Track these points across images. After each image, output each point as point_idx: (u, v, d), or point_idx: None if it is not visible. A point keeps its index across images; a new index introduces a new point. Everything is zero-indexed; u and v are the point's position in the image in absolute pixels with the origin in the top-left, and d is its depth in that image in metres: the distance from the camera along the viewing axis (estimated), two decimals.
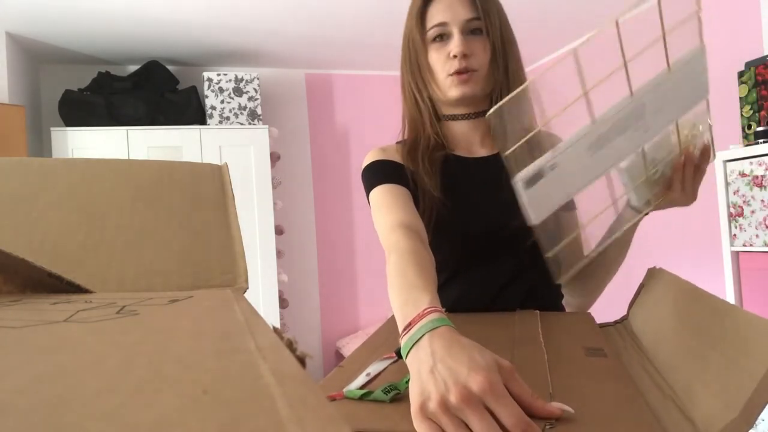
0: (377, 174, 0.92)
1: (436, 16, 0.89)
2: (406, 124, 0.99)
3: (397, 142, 1.02)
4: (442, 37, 0.89)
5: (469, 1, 0.88)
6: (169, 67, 3.30)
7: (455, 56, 0.87)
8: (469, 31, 0.89)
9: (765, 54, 2.27)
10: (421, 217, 0.85)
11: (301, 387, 0.15)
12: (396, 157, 0.97)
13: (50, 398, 0.14)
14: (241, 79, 3.19)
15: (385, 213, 0.83)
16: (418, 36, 0.90)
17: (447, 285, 0.93)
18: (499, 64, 0.91)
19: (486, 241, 0.91)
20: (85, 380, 0.16)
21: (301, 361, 0.24)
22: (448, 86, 0.90)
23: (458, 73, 0.88)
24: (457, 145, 0.97)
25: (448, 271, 0.93)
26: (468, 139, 0.98)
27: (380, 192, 0.88)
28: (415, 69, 0.93)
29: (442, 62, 0.90)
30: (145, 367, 0.17)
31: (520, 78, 0.93)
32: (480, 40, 0.89)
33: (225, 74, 3.18)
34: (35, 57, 3.16)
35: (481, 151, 0.97)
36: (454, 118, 0.96)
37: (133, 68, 3.33)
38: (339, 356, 3.58)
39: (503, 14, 0.93)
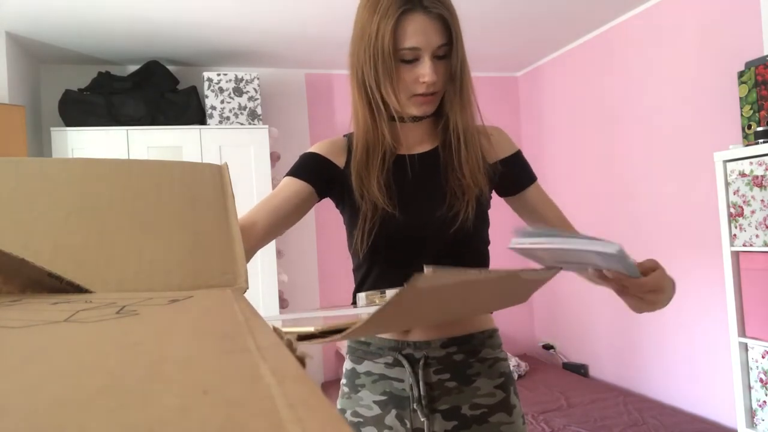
0: (295, 165, 1.01)
1: (410, 38, 0.87)
2: (355, 118, 0.99)
3: (345, 135, 1.05)
4: (413, 59, 0.90)
5: (442, 26, 0.89)
6: (169, 67, 3.30)
7: (423, 82, 0.89)
8: (437, 56, 0.90)
9: (765, 54, 2.27)
10: (365, 222, 0.94)
11: (301, 387, 0.15)
12: (335, 152, 1.02)
13: (50, 398, 0.14)
14: (241, 79, 3.19)
15: (260, 202, 0.96)
16: (390, 48, 0.88)
17: (367, 276, 0.99)
18: (456, 86, 0.93)
19: (414, 236, 0.95)
20: (85, 380, 0.16)
21: (301, 361, 0.24)
22: (409, 105, 0.93)
23: (422, 95, 0.91)
24: (400, 145, 1.00)
25: (368, 265, 0.99)
26: (410, 138, 1.00)
27: (282, 182, 0.98)
28: (380, 75, 0.91)
29: (409, 83, 0.91)
30: (145, 367, 0.17)
31: (469, 96, 0.96)
32: (444, 63, 0.92)
33: (225, 74, 3.17)
34: (35, 57, 3.16)
35: (419, 148, 1.00)
36: (402, 120, 0.97)
37: (133, 68, 3.33)
38: (339, 356, 3.58)
39: (462, 40, 0.94)
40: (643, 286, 0.75)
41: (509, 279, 0.62)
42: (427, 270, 0.43)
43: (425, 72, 0.88)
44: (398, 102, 0.92)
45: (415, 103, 0.92)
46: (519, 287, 0.70)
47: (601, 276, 0.77)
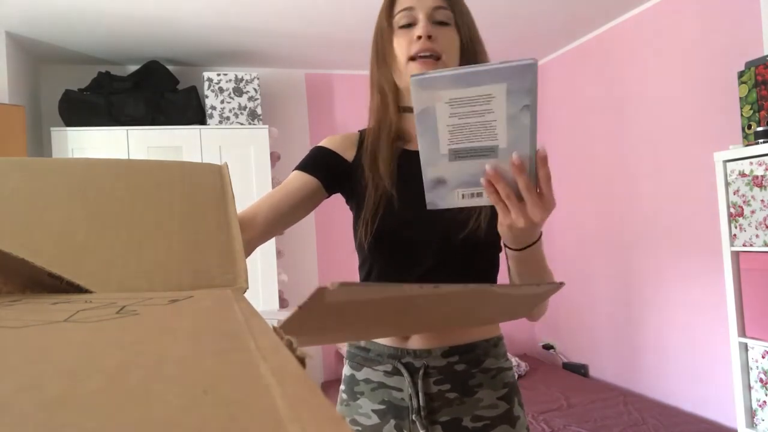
0: (303, 159, 0.99)
1: (403, 1, 0.91)
2: (371, 99, 1.01)
3: (359, 131, 1.05)
4: (410, 24, 0.91)
5: None
6: (169, 67, 3.30)
7: (419, 37, 0.88)
8: (436, 20, 0.90)
9: (765, 54, 2.27)
10: (369, 209, 0.92)
11: (301, 387, 0.15)
12: (345, 146, 1.01)
13: (50, 398, 0.14)
14: (241, 79, 3.19)
15: (263, 196, 0.94)
16: (386, 23, 0.92)
17: (369, 275, 0.96)
18: (469, 60, 0.92)
19: (420, 237, 0.92)
20: (85, 380, 0.16)
21: (301, 361, 0.24)
22: (410, 70, 0.89)
23: (422, 57, 0.88)
24: (411, 139, 0.97)
25: (371, 261, 0.96)
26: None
27: (289, 176, 0.97)
28: (381, 58, 0.94)
29: (406, 46, 0.90)
30: (145, 367, 0.17)
31: None
32: (447, 30, 0.91)
33: (225, 74, 3.17)
34: (35, 57, 3.16)
35: None
36: (412, 110, 0.96)
37: (133, 68, 3.33)
38: (339, 356, 3.58)
39: (471, 16, 0.96)
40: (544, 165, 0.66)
41: (481, 293, 0.55)
42: (332, 284, 0.39)
43: (419, 26, 0.89)
44: (401, 73, 0.92)
45: (412, 69, 0.89)
46: (512, 302, 0.65)
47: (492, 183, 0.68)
